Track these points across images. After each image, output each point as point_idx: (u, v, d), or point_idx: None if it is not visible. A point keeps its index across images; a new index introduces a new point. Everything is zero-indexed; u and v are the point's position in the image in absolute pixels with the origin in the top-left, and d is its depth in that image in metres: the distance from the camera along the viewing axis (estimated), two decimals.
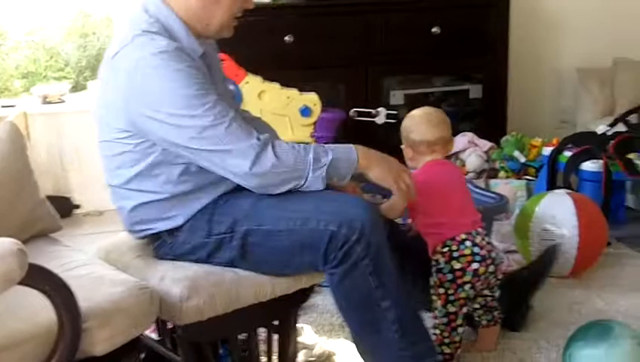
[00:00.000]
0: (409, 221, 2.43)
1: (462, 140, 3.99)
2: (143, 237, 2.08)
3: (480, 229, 2.32)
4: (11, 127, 2.20)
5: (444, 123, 2.38)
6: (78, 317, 1.56)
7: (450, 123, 2.41)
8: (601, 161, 3.47)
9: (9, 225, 2.03)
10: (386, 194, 2.13)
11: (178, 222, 1.98)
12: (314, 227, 1.87)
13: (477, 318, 2.44)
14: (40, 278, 1.53)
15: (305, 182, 1.90)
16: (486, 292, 2.38)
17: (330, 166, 1.92)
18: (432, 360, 2.04)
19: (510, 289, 2.52)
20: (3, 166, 2.12)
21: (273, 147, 1.88)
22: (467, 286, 2.27)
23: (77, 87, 4.27)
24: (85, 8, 4.36)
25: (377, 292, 1.92)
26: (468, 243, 2.26)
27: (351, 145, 1.99)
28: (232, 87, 3.02)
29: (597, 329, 2.16)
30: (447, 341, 2.29)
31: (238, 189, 1.99)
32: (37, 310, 1.57)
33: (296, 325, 2.20)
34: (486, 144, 4.01)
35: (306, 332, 2.55)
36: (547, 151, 3.72)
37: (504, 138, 4.04)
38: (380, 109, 3.62)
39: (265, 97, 3.09)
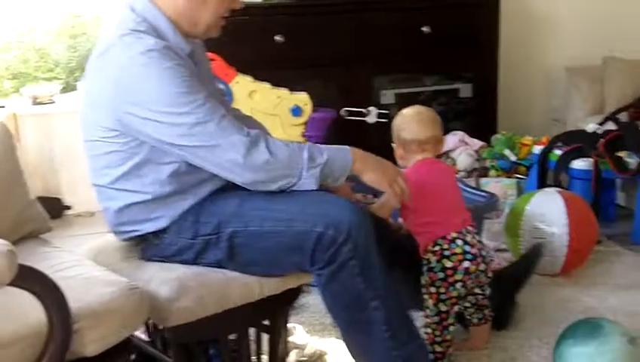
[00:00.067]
0: (400, 220, 2.43)
1: (452, 139, 4.00)
2: (128, 239, 2.07)
3: (470, 228, 2.32)
4: (1, 128, 2.20)
5: (435, 122, 2.39)
6: (68, 317, 1.56)
7: (441, 122, 2.42)
8: (591, 160, 3.48)
9: None
10: (377, 193, 2.13)
11: (162, 223, 1.97)
12: (301, 228, 1.87)
13: (468, 317, 2.45)
14: (30, 279, 1.52)
15: (298, 180, 1.90)
16: (477, 290, 2.38)
17: (325, 166, 1.91)
18: (423, 359, 2.05)
19: (498, 286, 2.53)
20: None
21: (266, 143, 1.87)
22: (458, 285, 2.27)
23: (67, 88, 4.26)
24: (75, 9, 4.35)
25: (365, 293, 1.92)
26: (459, 241, 2.27)
27: (346, 146, 1.99)
28: (222, 86, 3.02)
29: (587, 327, 2.17)
30: (438, 339, 2.30)
31: (224, 190, 1.99)
32: (27, 311, 1.57)
33: (288, 325, 2.20)
34: (476, 143, 4.02)
35: (298, 332, 2.55)
36: (537, 149, 3.73)
37: (494, 137, 4.05)
38: (370, 109, 3.62)
39: (255, 97, 3.09)
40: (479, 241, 2.33)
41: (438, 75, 4.42)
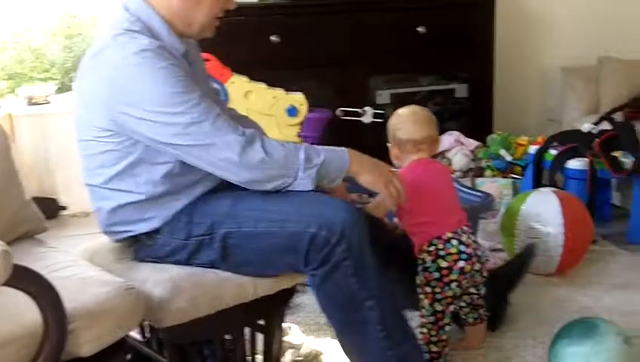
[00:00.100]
0: (395, 220, 2.44)
1: (448, 139, 4.01)
2: (121, 240, 2.07)
3: (466, 228, 2.32)
4: None
5: (430, 122, 2.39)
6: (63, 318, 1.56)
7: (437, 122, 2.42)
8: (586, 159, 3.49)
9: None
10: (372, 193, 2.13)
11: (155, 224, 1.97)
12: (294, 229, 1.87)
13: (463, 316, 2.45)
14: (25, 279, 1.52)
15: (294, 180, 1.90)
16: (472, 290, 2.39)
17: (322, 167, 1.91)
18: (418, 359, 2.05)
19: (492, 286, 2.53)
20: None
21: (262, 142, 1.87)
22: (454, 285, 2.27)
23: (62, 88, 4.26)
24: (71, 9, 4.35)
25: (360, 293, 1.92)
26: (454, 241, 2.27)
27: (343, 148, 1.99)
28: (218, 87, 3.01)
29: (582, 327, 2.18)
30: (434, 339, 2.30)
31: (217, 190, 1.99)
32: (22, 311, 1.57)
33: (283, 325, 2.20)
34: (472, 143, 4.03)
35: (293, 332, 2.56)
36: (533, 149, 3.74)
37: (490, 137, 4.06)
38: (366, 109, 3.62)
39: (251, 97, 3.09)
40: (474, 241, 2.33)
41: (433, 75, 4.42)
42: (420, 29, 4.15)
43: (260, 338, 2.19)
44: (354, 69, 4.10)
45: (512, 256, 3.01)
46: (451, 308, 2.31)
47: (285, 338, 2.47)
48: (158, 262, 2.00)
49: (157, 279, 1.89)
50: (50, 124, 4.00)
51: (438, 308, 2.28)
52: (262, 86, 3.12)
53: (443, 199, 2.35)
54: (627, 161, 3.47)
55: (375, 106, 3.72)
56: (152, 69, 1.81)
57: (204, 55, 2.95)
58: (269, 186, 1.91)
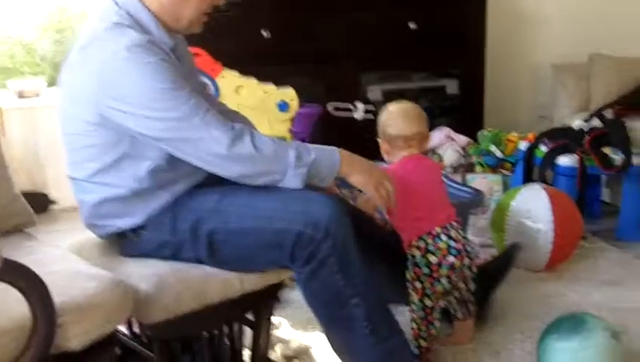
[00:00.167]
0: (385, 215, 2.44)
1: (439, 135, 4.01)
2: (105, 235, 2.06)
3: (455, 223, 2.33)
4: None
5: (420, 118, 2.39)
6: (52, 312, 1.55)
7: (428, 118, 2.42)
8: (576, 156, 3.50)
9: None
10: None
11: (138, 219, 1.97)
12: (279, 227, 1.87)
13: (453, 311, 2.46)
14: (14, 273, 1.51)
15: (283, 177, 1.90)
16: (461, 285, 2.39)
17: (312, 166, 1.91)
18: (406, 353, 2.06)
19: (480, 282, 2.53)
20: None
21: (251, 137, 1.87)
22: (443, 280, 2.28)
23: (53, 83, 4.24)
24: (61, 3, 4.34)
25: (346, 290, 1.92)
26: (443, 236, 2.28)
27: (334, 148, 1.99)
28: (208, 81, 3.01)
29: (570, 322, 2.18)
30: (423, 334, 2.31)
31: (203, 186, 1.99)
32: (11, 305, 1.56)
33: (272, 319, 2.21)
34: (463, 139, 4.03)
35: (283, 327, 2.56)
36: (523, 146, 3.75)
37: (481, 133, 4.06)
38: (357, 104, 3.62)
39: (242, 92, 3.08)
40: (464, 237, 2.34)
41: (425, 72, 4.43)
42: (412, 26, 4.16)
43: (248, 333, 2.19)
44: (345, 65, 4.10)
45: (501, 252, 3.02)
46: (441, 303, 2.32)
47: (275, 333, 2.48)
48: (144, 258, 1.99)
49: (142, 274, 1.89)
50: (41, 118, 3.99)
51: (428, 303, 2.29)
52: (253, 81, 3.11)
53: (433, 195, 2.36)
54: (617, 157, 3.48)
55: (366, 102, 3.72)
56: (141, 64, 1.80)
57: (195, 49, 2.96)
58: (258, 181, 1.91)
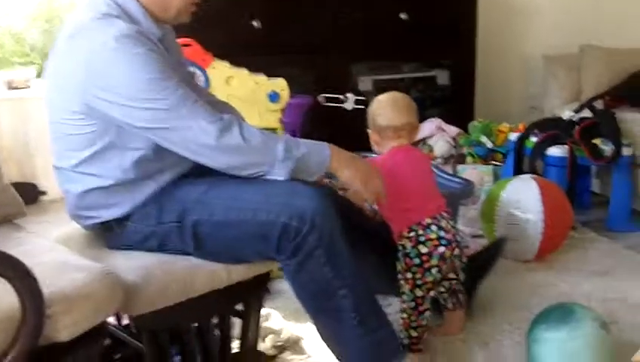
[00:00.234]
0: (374, 206, 2.44)
1: (430, 126, 4.02)
2: (90, 226, 2.06)
3: (445, 213, 2.33)
4: None
5: (410, 108, 2.39)
6: (41, 303, 1.55)
7: (419, 109, 2.42)
8: (566, 147, 3.51)
9: None
10: None
11: (123, 210, 1.97)
12: (265, 219, 1.87)
13: (443, 302, 2.46)
14: (3, 264, 1.51)
15: (270, 169, 1.90)
16: (451, 275, 2.40)
17: (301, 161, 1.91)
18: (394, 345, 2.06)
19: (469, 272, 2.54)
20: None
21: (240, 128, 1.87)
22: (434, 270, 2.28)
23: (43, 73, 4.22)
24: None
25: (333, 282, 1.93)
26: (434, 227, 2.28)
27: (325, 143, 1.99)
28: (199, 72, 3.00)
29: (559, 312, 2.19)
30: (414, 325, 2.31)
31: (188, 176, 1.99)
32: None
33: (262, 310, 2.21)
34: (454, 130, 4.04)
35: (273, 318, 2.56)
36: (514, 136, 3.76)
37: (471, 124, 4.07)
38: (348, 95, 3.62)
39: (232, 82, 3.07)
40: (453, 227, 2.34)
41: (416, 63, 4.43)
42: (403, 16, 4.16)
43: (239, 324, 2.20)
44: (336, 55, 4.09)
45: (490, 242, 3.03)
46: (432, 293, 2.33)
47: (265, 324, 2.48)
48: (130, 250, 1.99)
49: (128, 266, 1.88)
50: (30, 108, 3.98)
51: (419, 293, 2.29)
52: (243, 71, 3.10)
53: (422, 185, 2.36)
54: (607, 148, 3.50)
55: (357, 93, 3.72)
56: (129, 55, 1.80)
57: (186, 40, 2.95)
58: (245, 173, 1.91)
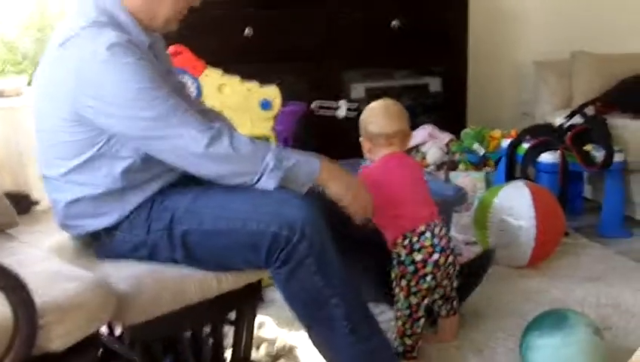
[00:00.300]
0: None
1: (422, 133, 4.02)
2: (79, 236, 2.05)
3: (437, 221, 2.34)
4: None
5: (402, 116, 2.40)
6: (34, 313, 1.55)
7: (411, 116, 2.43)
8: (558, 153, 3.52)
9: None
10: None
11: (112, 219, 1.96)
12: (255, 228, 1.87)
13: (437, 309, 2.46)
14: None
15: (259, 179, 1.90)
16: (445, 282, 2.40)
17: (291, 171, 1.91)
18: (387, 353, 2.06)
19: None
20: None
21: (230, 137, 1.87)
22: (429, 278, 2.29)
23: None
24: (42, 2, 4.31)
25: (324, 291, 1.92)
26: (428, 234, 2.29)
27: (317, 156, 2.00)
28: (191, 80, 3.00)
29: (552, 319, 2.19)
30: (408, 332, 2.31)
31: (177, 185, 1.99)
32: None
33: (255, 319, 2.21)
34: (446, 137, 4.04)
35: (267, 326, 2.56)
36: (506, 143, 3.76)
37: (464, 131, 4.07)
38: (340, 103, 3.63)
39: (225, 90, 3.08)
40: (446, 234, 2.35)
41: (408, 70, 4.43)
42: (395, 24, 4.16)
43: (232, 332, 2.19)
44: (328, 63, 4.10)
45: (486, 248, 3.03)
46: (426, 300, 2.33)
47: (259, 333, 2.48)
48: (120, 259, 1.99)
49: (119, 276, 1.87)
50: (22, 117, 3.95)
51: (414, 301, 2.30)
52: (235, 79, 3.10)
53: (415, 193, 2.36)
54: (598, 154, 3.51)
55: (349, 100, 3.72)
56: (119, 64, 1.80)
57: (178, 47, 2.96)
58: (234, 182, 1.91)
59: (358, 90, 4.23)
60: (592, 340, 2.14)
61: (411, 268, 2.28)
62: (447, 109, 4.42)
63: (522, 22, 4.83)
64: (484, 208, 3.11)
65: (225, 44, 3.74)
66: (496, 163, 3.88)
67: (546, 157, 3.54)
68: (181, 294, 1.92)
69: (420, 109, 4.37)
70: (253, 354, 2.34)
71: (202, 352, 2.15)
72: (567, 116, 3.79)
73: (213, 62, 3.11)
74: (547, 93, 4.49)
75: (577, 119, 3.75)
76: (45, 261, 1.91)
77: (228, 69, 3.12)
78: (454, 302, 2.46)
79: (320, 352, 2.06)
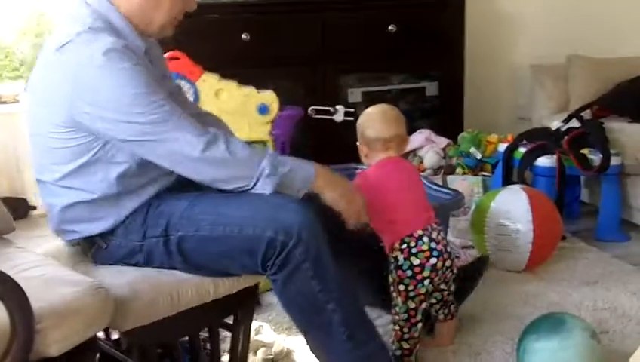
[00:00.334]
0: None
1: (419, 137, 4.03)
2: (74, 241, 2.05)
3: (435, 225, 2.34)
4: None
5: (399, 120, 2.40)
6: (31, 318, 1.55)
7: (408, 120, 2.44)
8: (554, 157, 3.52)
9: None
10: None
11: (107, 224, 1.96)
12: (251, 234, 1.87)
13: (434, 313, 2.46)
14: None
15: (255, 184, 1.90)
16: (443, 286, 2.40)
17: (286, 177, 1.92)
18: (384, 357, 2.06)
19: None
20: None
21: (226, 141, 1.87)
22: (426, 282, 2.28)
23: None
24: (40, 7, 4.32)
25: (321, 296, 1.92)
26: (425, 238, 2.28)
27: (313, 163, 2.00)
28: (188, 85, 3.01)
29: (549, 322, 2.20)
30: (406, 336, 2.31)
31: (173, 190, 1.99)
32: None
33: (252, 323, 2.21)
34: (443, 141, 4.05)
35: (265, 331, 2.56)
36: (502, 147, 3.77)
37: (461, 135, 4.08)
38: (338, 107, 3.62)
39: (222, 95, 3.08)
40: (444, 238, 2.35)
41: (404, 74, 4.44)
42: (391, 28, 4.17)
43: (229, 337, 2.19)
44: (325, 68, 4.11)
45: (486, 253, 3.04)
46: (424, 305, 2.33)
47: (257, 337, 2.48)
48: (116, 265, 1.99)
49: (115, 282, 1.87)
50: (20, 122, 3.96)
51: (411, 305, 2.30)
52: (233, 84, 3.11)
53: (412, 197, 2.36)
54: (595, 158, 3.51)
55: (347, 105, 3.72)
56: (116, 70, 1.80)
57: (175, 53, 2.96)
58: (230, 186, 1.91)
59: (355, 94, 4.23)
60: (589, 344, 2.14)
61: (409, 273, 2.28)
62: (444, 113, 4.43)
63: (519, 25, 4.84)
64: (481, 212, 3.11)
65: (222, 49, 3.75)
66: (493, 167, 3.89)
67: (543, 161, 3.55)
68: (177, 299, 1.91)
69: (417, 113, 4.38)
70: (251, 359, 2.34)
71: (199, 357, 2.15)
72: (564, 120, 3.80)
73: (210, 68, 3.12)
74: (544, 96, 4.49)
75: (574, 123, 3.75)
76: (42, 266, 1.90)
77: (225, 74, 3.13)
78: (452, 306, 2.46)
79: (317, 357, 2.06)
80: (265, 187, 1.90)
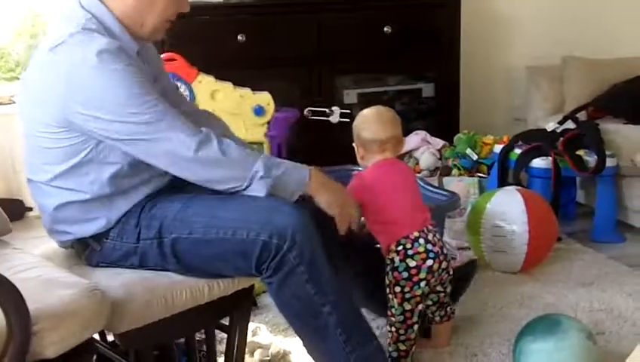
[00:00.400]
0: (362, 219, 2.44)
1: (415, 139, 4.03)
2: (67, 243, 2.04)
3: (431, 226, 2.34)
4: None
5: (395, 122, 2.40)
6: (27, 320, 1.54)
7: (404, 122, 2.44)
8: (550, 158, 3.52)
9: None
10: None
11: (99, 225, 1.95)
12: (245, 237, 1.87)
13: (430, 315, 2.47)
14: None
15: (248, 186, 1.90)
16: (439, 288, 2.40)
17: (280, 180, 1.92)
18: (381, 359, 2.06)
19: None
20: None
21: (219, 142, 1.88)
22: (423, 284, 2.29)
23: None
24: (35, 8, 4.31)
25: (317, 299, 1.93)
26: (421, 240, 2.29)
27: (307, 166, 2.00)
28: (184, 86, 3.01)
29: (545, 324, 2.20)
30: (402, 338, 2.31)
31: (166, 191, 1.99)
32: None
33: (248, 325, 2.20)
34: (439, 142, 4.05)
35: (262, 332, 2.56)
36: (498, 148, 3.77)
37: (457, 136, 4.08)
38: (334, 108, 3.63)
39: (218, 97, 3.08)
40: (440, 240, 2.35)
41: (400, 75, 4.44)
42: (387, 29, 4.17)
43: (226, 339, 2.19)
44: (321, 69, 4.11)
45: (482, 254, 3.04)
46: (420, 306, 2.33)
47: (254, 339, 2.47)
48: (110, 267, 1.98)
49: (109, 284, 1.86)
50: (16, 123, 3.94)
51: (408, 307, 2.30)
52: (228, 85, 3.11)
53: (407, 199, 2.36)
54: (591, 159, 3.51)
55: (343, 106, 3.73)
56: (109, 71, 1.80)
57: (171, 54, 2.96)
58: (224, 187, 1.91)
59: (350, 95, 4.24)
60: (585, 345, 2.14)
61: (405, 275, 2.28)
62: (439, 114, 4.43)
63: (514, 27, 4.84)
64: (477, 214, 3.12)
65: (217, 50, 3.75)
66: (489, 168, 3.89)
67: (539, 163, 3.55)
68: (172, 301, 1.91)
69: (413, 115, 4.38)
70: (248, 360, 2.34)
71: (195, 359, 2.15)
72: (560, 121, 3.80)
73: (206, 69, 3.12)
74: (539, 98, 4.49)
75: (569, 124, 3.76)
76: (39, 267, 1.90)
77: (221, 76, 3.13)
78: (448, 308, 2.46)
79: (314, 359, 2.06)
80: (258, 189, 1.90)
